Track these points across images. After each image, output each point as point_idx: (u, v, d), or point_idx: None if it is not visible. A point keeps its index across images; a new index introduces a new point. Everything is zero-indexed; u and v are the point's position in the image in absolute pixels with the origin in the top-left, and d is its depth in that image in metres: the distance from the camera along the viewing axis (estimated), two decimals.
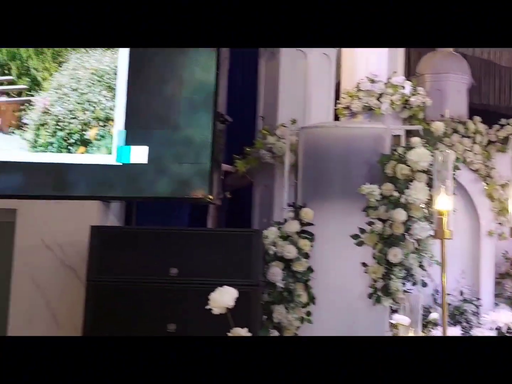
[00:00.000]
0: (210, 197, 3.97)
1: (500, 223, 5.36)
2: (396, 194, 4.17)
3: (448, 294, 5.77)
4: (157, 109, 4.02)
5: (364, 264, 4.16)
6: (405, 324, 2.50)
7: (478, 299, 5.71)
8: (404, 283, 4.11)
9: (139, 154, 4.02)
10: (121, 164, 4.02)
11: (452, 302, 5.74)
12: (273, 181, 4.89)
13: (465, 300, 5.68)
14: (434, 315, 2.65)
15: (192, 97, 4.01)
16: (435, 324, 2.62)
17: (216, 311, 2.65)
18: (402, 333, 2.47)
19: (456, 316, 5.62)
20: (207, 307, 2.69)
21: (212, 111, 4.01)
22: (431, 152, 4.08)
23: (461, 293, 5.75)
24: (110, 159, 4.05)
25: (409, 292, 4.05)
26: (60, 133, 4.12)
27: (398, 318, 2.54)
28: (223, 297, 2.64)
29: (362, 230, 4.17)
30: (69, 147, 4.10)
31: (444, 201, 2.41)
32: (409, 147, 4.27)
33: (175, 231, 3.93)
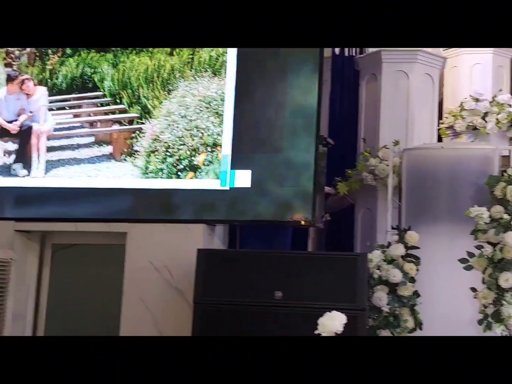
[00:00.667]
0: (313, 220, 3.97)
1: None
2: (506, 216, 4.02)
3: None
4: (260, 134, 4.08)
5: (473, 289, 4.03)
6: None
7: None
8: None
9: (243, 178, 4.09)
10: (225, 188, 4.10)
11: None
12: (375, 203, 4.84)
13: None
14: None
15: (294, 120, 4.05)
16: None
17: (324, 335, 2.64)
18: None
19: None
20: (316, 332, 2.68)
21: (315, 134, 4.03)
22: None
23: None
24: (216, 184, 4.14)
25: None
26: (169, 160, 4.26)
27: None
28: (332, 322, 2.63)
29: (471, 254, 4.05)
30: (178, 172, 4.23)
31: None
32: None
33: (279, 254, 3.95)
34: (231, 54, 4.20)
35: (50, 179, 4.52)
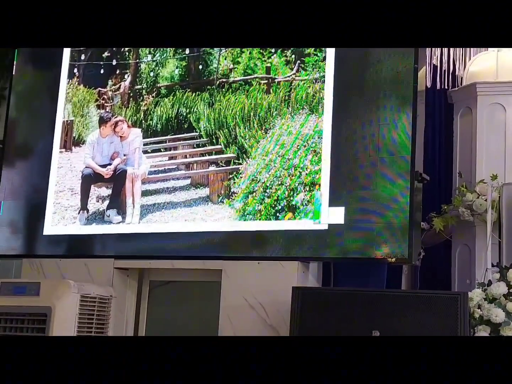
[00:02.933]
0: (409, 257, 3.90)
1: None
2: None
3: None
4: (355, 171, 4.04)
5: None
6: None
7: None
8: None
9: (336, 215, 4.06)
10: (319, 225, 4.07)
11: None
12: (473, 239, 4.70)
13: None
14: None
15: (388, 156, 4.00)
16: None
17: None
18: None
19: None
20: None
21: (410, 170, 3.97)
22: None
23: None
24: (311, 223, 4.09)
25: None
26: (267, 200, 4.19)
27: None
28: None
29: None
30: (277, 213, 4.15)
31: None
32: None
33: (375, 292, 3.88)
34: (328, 91, 4.15)
35: (145, 225, 4.46)
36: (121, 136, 4.69)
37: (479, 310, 3.98)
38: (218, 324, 4.18)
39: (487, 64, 5.00)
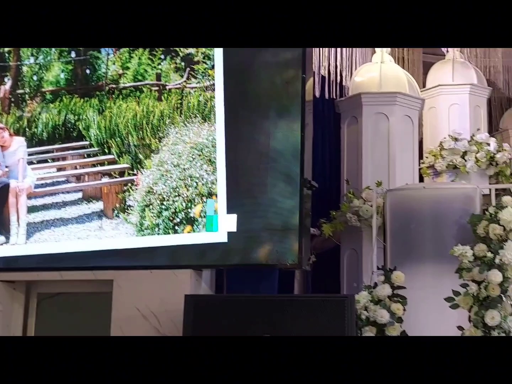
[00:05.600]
0: (300, 263, 3.99)
1: None
2: (489, 254, 4.06)
3: None
4: (246, 179, 4.09)
5: (460, 328, 4.04)
6: None
7: None
8: None
9: (228, 223, 4.09)
10: (216, 233, 4.06)
11: None
12: (360, 244, 4.88)
13: None
14: None
15: (278, 164, 4.07)
16: None
17: None
18: None
19: None
20: None
21: (299, 177, 4.06)
22: None
23: None
24: (210, 233, 4.02)
25: None
26: (165, 213, 4.01)
27: None
28: None
29: (457, 293, 4.07)
30: (175, 227, 4.01)
31: None
32: (500, 206, 4.18)
33: (266, 298, 3.95)
34: (219, 98, 4.16)
35: (33, 246, 4.10)
36: (2, 146, 4.31)
37: (366, 312, 4.13)
38: (110, 335, 4.10)
39: (371, 75, 5.22)
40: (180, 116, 4.21)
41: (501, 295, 4.01)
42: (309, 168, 4.24)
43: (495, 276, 3.99)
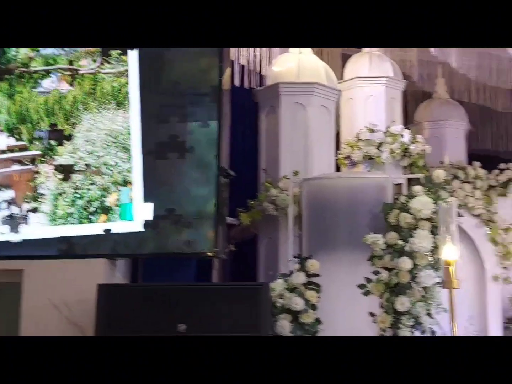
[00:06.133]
0: (216, 252, 3.98)
1: (505, 268, 5.36)
2: (400, 242, 4.18)
3: None
4: (162, 166, 4.05)
5: (372, 314, 4.15)
6: None
7: None
8: (412, 332, 4.08)
9: (144, 211, 4.04)
10: (132, 222, 4.00)
11: None
12: (277, 233, 4.91)
13: None
14: None
15: (194, 152, 4.04)
16: None
17: None
18: None
19: None
20: None
21: (216, 166, 4.05)
22: (434, 200, 4.11)
23: None
24: (125, 222, 3.96)
25: None
26: (79, 202, 3.95)
27: None
28: None
29: (369, 280, 4.17)
30: (90, 216, 3.94)
31: (450, 251, 2.43)
32: (411, 196, 4.30)
33: (182, 286, 3.93)
34: (133, 85, 4.09)
35: None
36: None
37: (281, 299, 4.17)
38: (19, 326, 3.98)
39: (289, 65, 5.25)
40: (94, 102, 4.12)
41: (411, 281, 4.14)
42: (226, 157, 4.23)
43: (405, 263, 4.11)
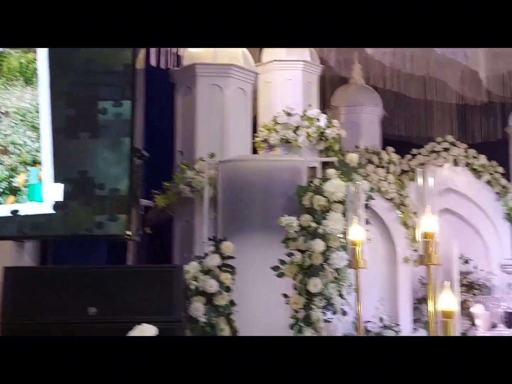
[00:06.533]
0: (129, 233, 3.91)
1: (415, 250, 5.53)
2: (314, 225, 4.23)
3: (369, 321, 5.90)
4: (73, 145, 3.93)
5: (285, 295, 4.19)
6: None
7: (397, 324, 5.84)
8: (324, 313, 4.15)
9: (53, 192, 3.92)
10: (41, 204, 3.88)
11: (372, 329, 5.86)
12: (193, 215, 4.88)
13: (385, 327, 5.80)
14: None
15: (107, 132, 3.95)
16: None
17: None
18: None
19: None
20: None
21: (129, 146, 3.97)
22: (346, 183, 4.18)
23: (381, 320, 5.87)
24: (34, 203, 3.85)
25: (329, 321, 4.09)
26: None
27: None
28: (142, 335, 2.60)
29: (282, 262, 4.21)
30: None
31: (357, 232, 2.47)
32: (325, 179, 4.36)
33: (92, 269, 3.84)
34: (41, 61, 3.95)
35: None
36: None
37: (195, 282, 4.15)
38: None
39: None
40: (1, 79, 3.98)
41: (324, 263, 4.21)
42: (141, 138, 4.16)
43: (318, 245, 4.17)
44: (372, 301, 5.86)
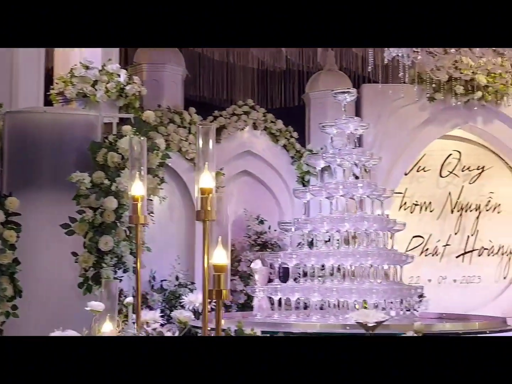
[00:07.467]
0: None
1: None
2: (107, 182, 4.14)
3: (164, 280, 5.96)
4: None
5: (74, 254, 4.07)
6: (99, 310, 2.49)
7: (193, 283, 5.96)
8: (115, 271, 4.10)
9: None
10: None
11: (168, 287, 5.93)
12: None
13: (180, 285, 5.89)
14: (129, 299, 2.71)
15: None
16: (127, 307, 2.70)
17: None
18: (95, 318, 2.46)
19: (172, 300, 5.80)
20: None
21: None
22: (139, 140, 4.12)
23: (177, 278, 5.96)
24: None
25: (119, 279, 4.04)
26: None
27: (93, 305, 2.51)
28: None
29: (73, 219, 4.07)
30: None
31: (138, 187, 2.44)
32: (120, 135, 4.26)
33: None
34: None
35: None
36: None
37: None
38: None
39: None
40: None
41: (116, 221, 4.14)
42: None
43: (111, 202, 4.08)
44: (169, 259, 5.92)
